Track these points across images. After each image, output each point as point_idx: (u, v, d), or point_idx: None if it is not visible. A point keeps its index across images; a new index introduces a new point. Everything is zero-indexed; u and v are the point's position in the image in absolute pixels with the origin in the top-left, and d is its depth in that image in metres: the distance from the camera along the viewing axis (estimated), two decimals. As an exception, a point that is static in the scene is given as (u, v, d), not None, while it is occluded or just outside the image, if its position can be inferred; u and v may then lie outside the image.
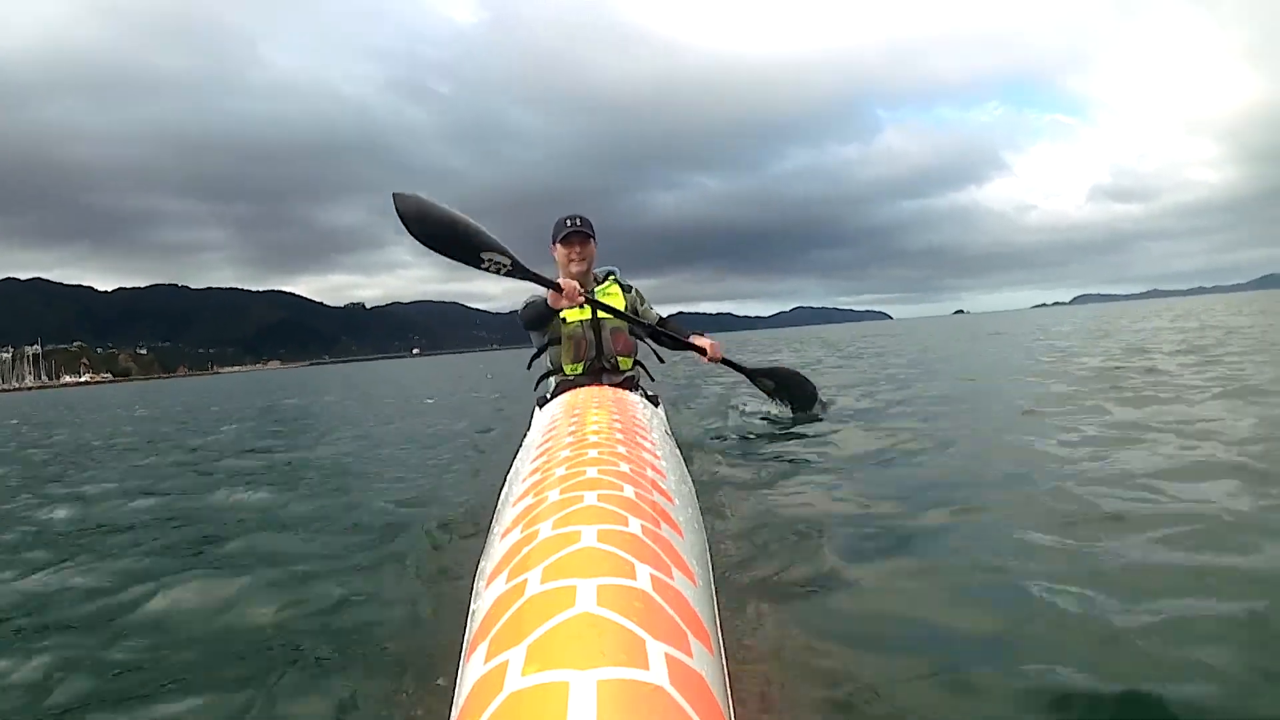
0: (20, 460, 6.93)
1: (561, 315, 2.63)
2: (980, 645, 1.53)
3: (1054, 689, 1.38)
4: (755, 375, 2.89)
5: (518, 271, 2.53)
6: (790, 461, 3.72)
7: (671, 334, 2.92)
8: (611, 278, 2.87)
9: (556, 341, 2.76)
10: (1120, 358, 8.03)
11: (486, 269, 2.41)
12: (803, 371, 2.66)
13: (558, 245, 2.77)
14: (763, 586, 1.96)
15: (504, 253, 2.45)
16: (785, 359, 12.19)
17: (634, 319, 2.75)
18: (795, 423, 3.81)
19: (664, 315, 2.88)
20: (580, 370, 2.72)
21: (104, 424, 11.54)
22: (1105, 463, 2.91)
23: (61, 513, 3.63)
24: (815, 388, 2.71)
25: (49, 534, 3.26)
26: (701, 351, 2.78)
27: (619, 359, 2.72)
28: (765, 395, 2.99)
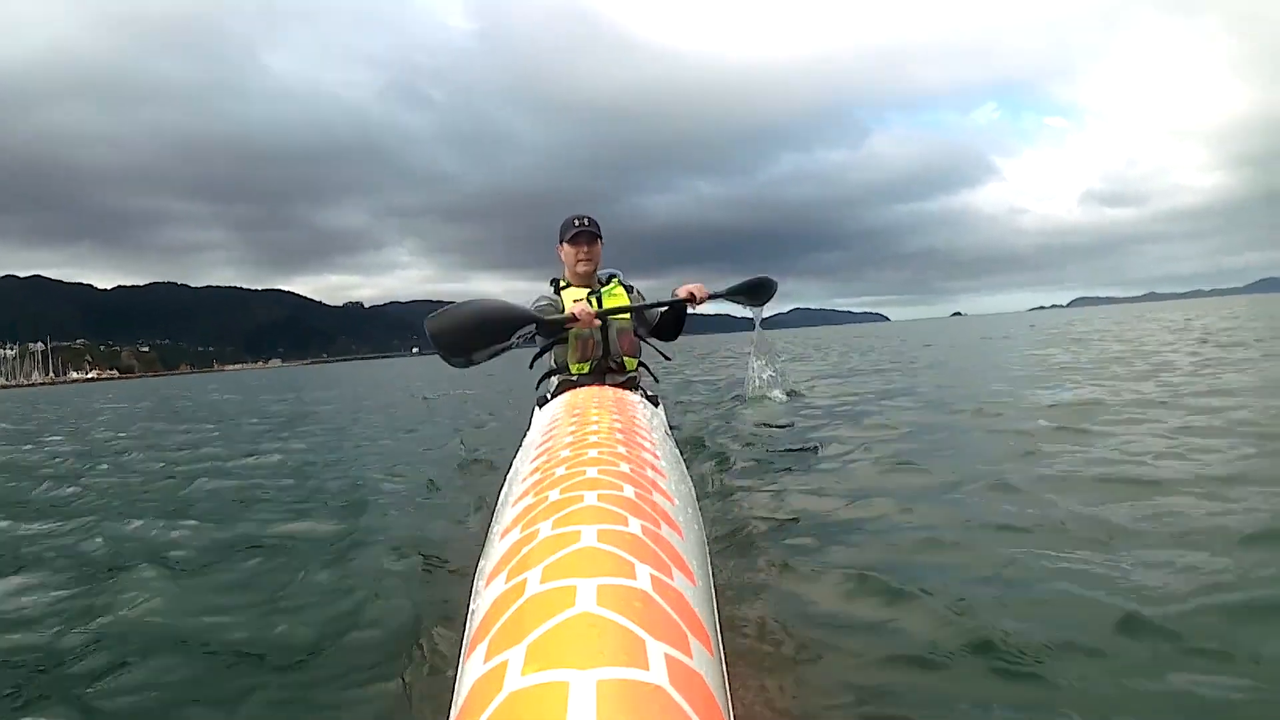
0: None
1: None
2: (981, 647, 1.53)
3: (1051, 694, 1.38)
4: (733, 292, 3.07)
5: (543, 329, 2.64)
6: (790, 463, 3.73)
7: (668, 314, 2.86)
8: (615, 280, 2.89)
9: (562, 341, 2.77)
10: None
11: (519, 345, 2.57)
12: (765, 276, 2.98)
13: (565, 245, 2.79)
14: (763, 587, 1.96)
15: (527, 319, 2.50)
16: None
17: (639, 307, 2.80)
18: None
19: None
20: (587, 369, 2.74)
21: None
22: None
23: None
24: (775, 284, 2.99)
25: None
26: (692, 300, 2.77)
27: (624, 359, 2.78)
28: (739, 303, 3.24)
